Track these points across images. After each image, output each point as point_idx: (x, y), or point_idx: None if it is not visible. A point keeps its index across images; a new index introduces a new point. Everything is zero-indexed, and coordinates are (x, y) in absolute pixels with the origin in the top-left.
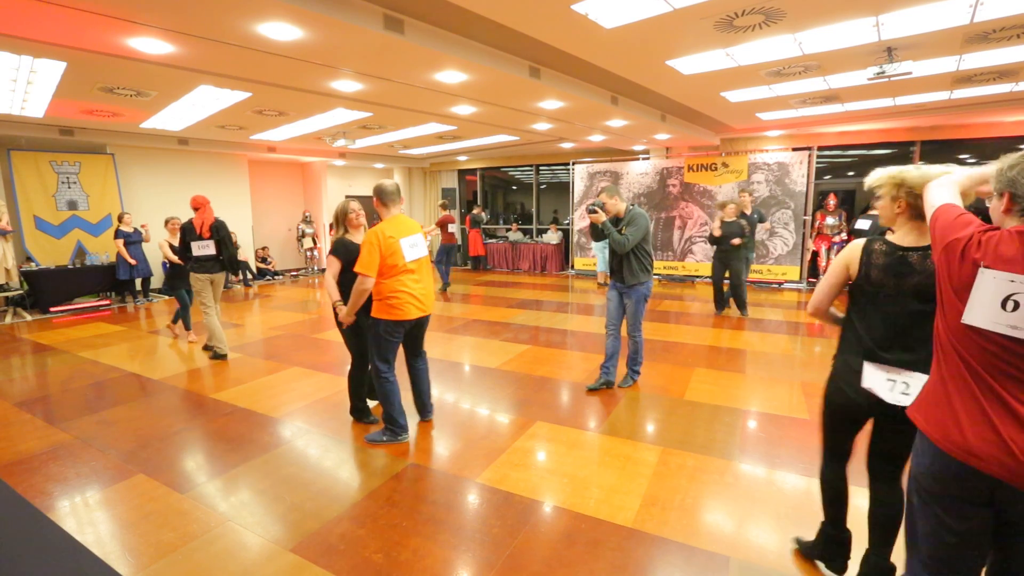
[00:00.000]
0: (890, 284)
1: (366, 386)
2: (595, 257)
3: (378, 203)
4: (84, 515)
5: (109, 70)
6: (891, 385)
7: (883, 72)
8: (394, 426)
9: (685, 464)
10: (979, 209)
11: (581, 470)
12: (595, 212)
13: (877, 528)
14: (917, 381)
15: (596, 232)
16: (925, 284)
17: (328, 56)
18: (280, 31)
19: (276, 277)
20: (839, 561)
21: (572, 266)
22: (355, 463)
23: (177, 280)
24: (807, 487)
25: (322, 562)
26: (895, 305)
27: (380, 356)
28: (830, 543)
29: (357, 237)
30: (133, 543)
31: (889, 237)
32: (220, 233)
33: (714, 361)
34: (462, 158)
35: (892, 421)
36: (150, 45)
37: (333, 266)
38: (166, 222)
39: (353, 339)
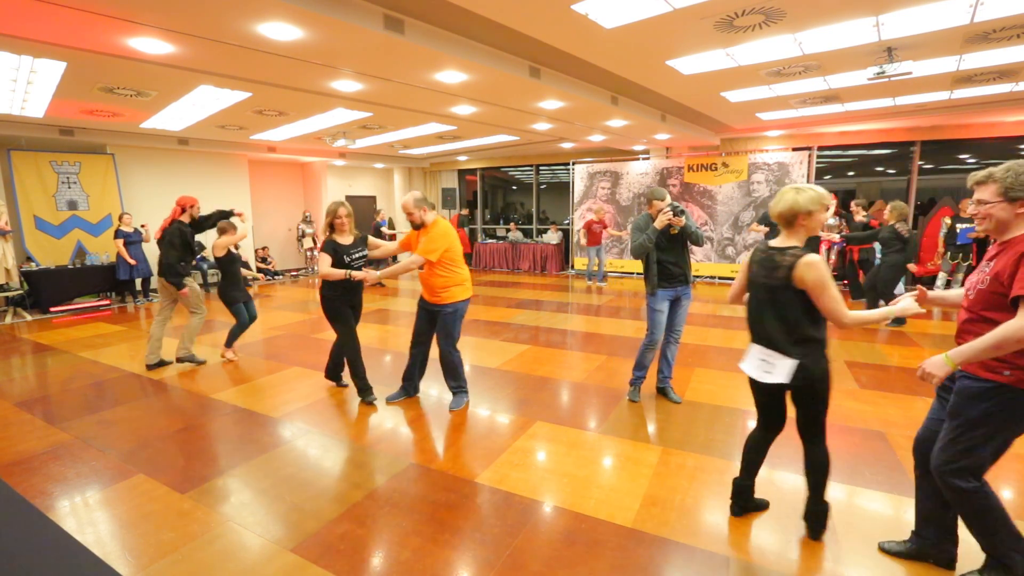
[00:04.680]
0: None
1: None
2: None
3: (425, 209)
4: (84, 515)
5: (109, 70)
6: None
7: (883, 72)
8: (466, 386)
9: (685, 464)
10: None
11: (581, 470)
12: (682, 215)
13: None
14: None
15: (658, 238)
16: None
17: (328, 56)
18: (280, 31)
19: (276, 277)
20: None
21: (572, 266)
22: (355, 463)
23: (237, 291)
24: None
25: (322, 562)
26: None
27: (454, 335)
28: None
29: (343, 239)
30: (133, 543)
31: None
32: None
33: (714, 361)
34: (462, 158)
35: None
36: (150, 45)
37: (326, 260)
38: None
39: (346, 319)
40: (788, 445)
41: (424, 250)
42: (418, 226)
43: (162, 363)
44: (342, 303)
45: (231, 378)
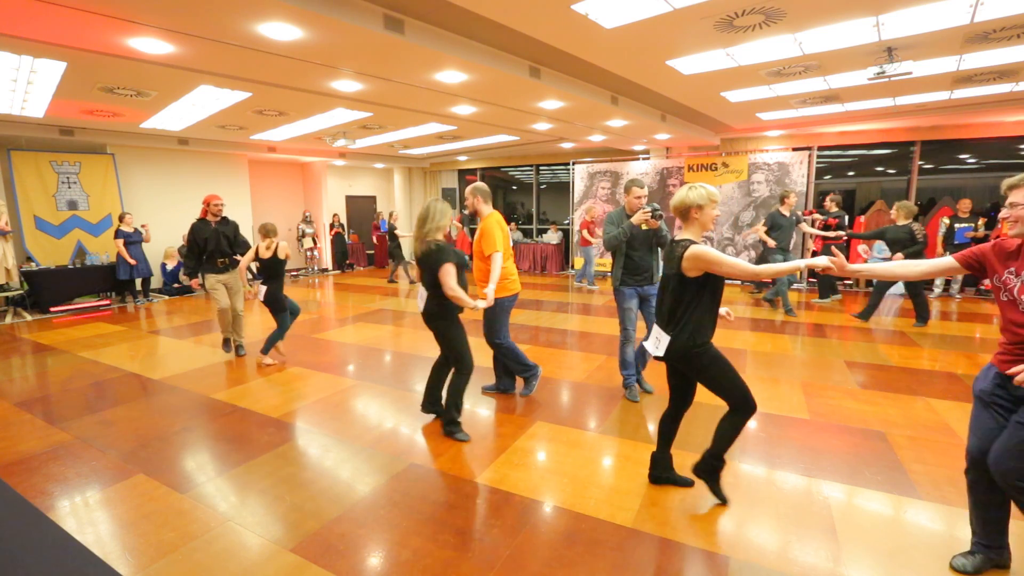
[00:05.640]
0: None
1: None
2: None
3: (481, 200)
4: (84, 515)
5: (109, 70)
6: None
7: (883, 72)
8: (532, 371)
9: (685, 464)
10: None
11: (581, 470)
12: (660, 218)
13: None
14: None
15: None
16: None
17: (328, 56)
18: (280, 31)
19: None
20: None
21: (572, 266)
22: (355, 463)
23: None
24: (807, 487)
25: (322, 562)
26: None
27: (499, 329)
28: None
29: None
30: (133, 543)
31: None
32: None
33: None
34: (462, 158)
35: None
36: (150, 45)
37: (453, 274)
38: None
39: (458, 338)
40: (786, 445)
41: (491, 246)
42: (472, 215)
43: (227, 344)
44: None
45: (231, 378)
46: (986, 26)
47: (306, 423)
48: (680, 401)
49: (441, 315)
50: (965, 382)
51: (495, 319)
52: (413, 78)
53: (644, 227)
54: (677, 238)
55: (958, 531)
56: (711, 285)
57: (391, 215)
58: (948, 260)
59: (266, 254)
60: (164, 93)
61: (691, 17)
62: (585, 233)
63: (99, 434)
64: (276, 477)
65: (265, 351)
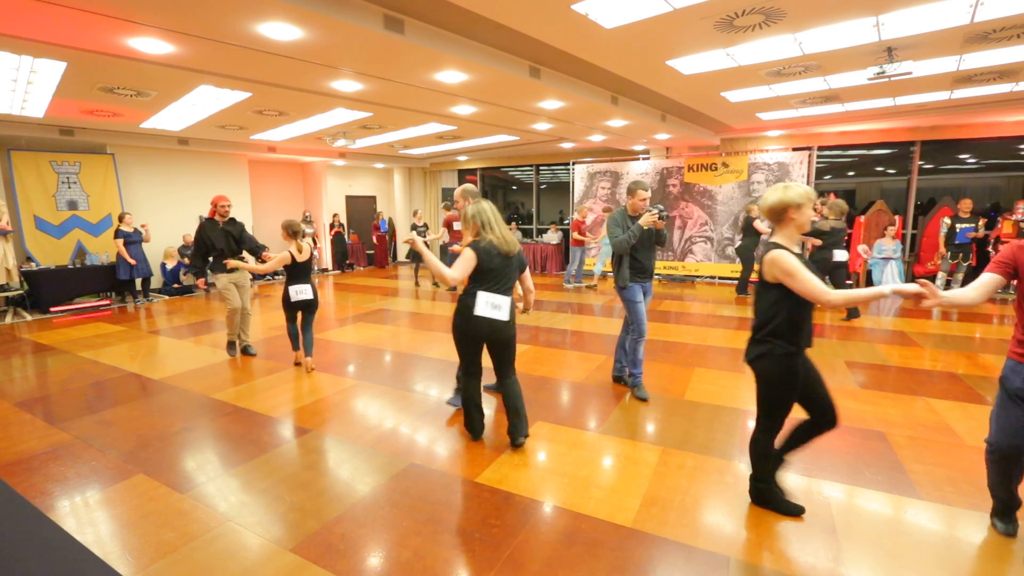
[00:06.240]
0: None
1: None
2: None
3: (470, 200)
4: (84, 515)
5: (109, 70)
6: None
7: (883, 72)
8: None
9: (685, 464)
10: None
11: (581, 470)
12: (666, 218)
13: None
14: None
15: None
16: None
17: (328, 56)
18: (280, 31)
19: (276, 277)
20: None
21: None
22: (355, 463)
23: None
24: (807, 487)
25: (322, 562)
26: None
27: None
28: None
29: None
30: (133, 543)
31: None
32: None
33: (714, 361)
34: (462, 158)
35: None
36: (150, 45)
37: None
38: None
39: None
40: None
41: None
42: None
43: (232, 347)
44: None
45: (231, 378)
46: (986, 26)
47: (306, 423)
48: (815, 413)
49: (515, 317)
50: (965, 382)
51: None
52: (413, 78)
53: (645, 227)
54: (770, 240)
55: (958, 531)
56: (794, 293)
57: (415, 214)
58: (993, 277)
59: (303, 257)
60: (164, 93)
61: (691, 17)
62: (575, 234)
63: (99, 434)
64: (276, 477)
65: (309, 353)
